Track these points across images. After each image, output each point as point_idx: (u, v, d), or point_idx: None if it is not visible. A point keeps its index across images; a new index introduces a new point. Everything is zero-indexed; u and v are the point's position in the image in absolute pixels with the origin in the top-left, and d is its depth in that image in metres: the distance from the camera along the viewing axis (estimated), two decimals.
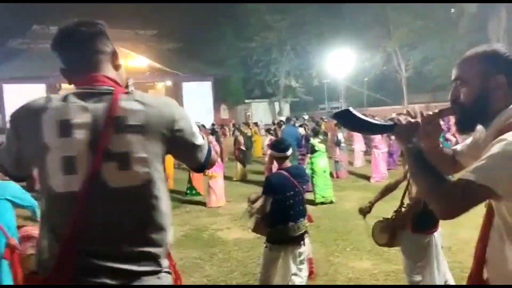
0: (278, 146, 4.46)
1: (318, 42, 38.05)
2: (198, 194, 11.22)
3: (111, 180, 1.45)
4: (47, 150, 1.45)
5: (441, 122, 1.84)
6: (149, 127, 1.51)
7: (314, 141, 10.16)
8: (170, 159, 13.31)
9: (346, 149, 13.53)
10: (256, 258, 6.10)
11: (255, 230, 4.57)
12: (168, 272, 1.60)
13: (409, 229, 4.09)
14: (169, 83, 37.62)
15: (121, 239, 1.48)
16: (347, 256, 6.34)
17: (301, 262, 4.32)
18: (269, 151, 11.73)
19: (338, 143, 12.87)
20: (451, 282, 4.28)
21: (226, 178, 12.75)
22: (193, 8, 43.78)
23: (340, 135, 13.17)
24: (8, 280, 4.38)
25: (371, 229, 4.32)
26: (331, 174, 12.81)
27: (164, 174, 1.65)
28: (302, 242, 4.27)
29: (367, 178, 12.50)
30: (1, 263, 4.36)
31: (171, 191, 11.66)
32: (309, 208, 9.18)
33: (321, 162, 9.86)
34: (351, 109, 1.73)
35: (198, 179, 11.28)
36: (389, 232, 4.20)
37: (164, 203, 1.59)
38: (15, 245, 4.39)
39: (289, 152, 4.45)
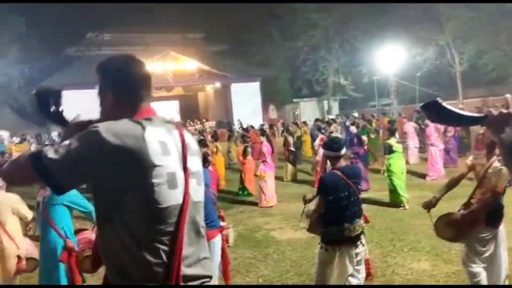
0: (332, 146, 4.35)
1: (366, 38, 37.37)
2: (250, 194, 11.28)
3: (194, 194, 1.69)
4: (153, 166, 1.55)
5: None
6: (199, 153, 1.86)
7: (392, 141, 9.56)
8: (221, 160, 13.50)
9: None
10: (310, 258, 6.06)
11: (310, 229, 4.53)
12: None
13: (482, 223, 4.08)
14: (218, 85, 38.06)
15: (202, 250, 1.73)
16: (404, 257, 6.17)
17: (358, 263, 4.23)
18: (321, 150, 11.64)
19: None
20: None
21: (277, 178, 12.73)
22: (239, 10, 44.12)
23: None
24: (64, 282, 4.53)
25: (433, 226, 4.34)
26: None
27: None
28: (358, 243, 4.19)
29: (422, 176, 12.15)
30: (59, 266, 4.52)
31: (224, 192, 11.81)
32: (363, 207, 9.12)
33: (398, 163, 9.41)
34: (440, 100, 1.68)
35: (249, 180, 11.35)
36: (456, 227, 4.15)
37: None
38: (72, 247, 4.53)
39: (343, 151, 4.33)
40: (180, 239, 1.59)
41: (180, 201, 1.62)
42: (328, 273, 4.24)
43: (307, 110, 41.55)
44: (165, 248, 1.57)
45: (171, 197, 1.59)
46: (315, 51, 39.98)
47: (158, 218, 1.57)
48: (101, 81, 1.80)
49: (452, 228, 4.19)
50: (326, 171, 4.67)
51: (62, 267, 4.54)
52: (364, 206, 9.15)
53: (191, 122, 36.18)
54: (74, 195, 4.61)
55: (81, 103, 33.28)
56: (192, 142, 1.79)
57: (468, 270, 4.23)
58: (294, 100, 42.35)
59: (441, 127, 13.12)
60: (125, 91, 1.74)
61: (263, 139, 11.56)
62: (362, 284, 4.33)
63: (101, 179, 1.57)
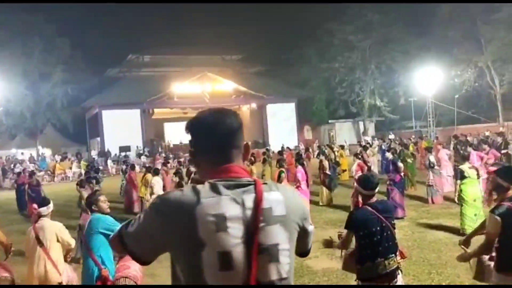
0: (367, 184, 4.31)
1: (404, 59, 37.16)
2: None
3: (263, 274, 1.46)
4: (202, 245, 1.42)
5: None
6: (288, 218, 1.54)
7: (464, 166, 9.09)
8: None
9: (439, 173, 12.86)
10: None
11: (344, 268, 4.50)
12: None
13: (495, 267, 3.79)
14: (254, 105, 38.46)
15: None
16: None
17: None
18: (359, 174, 11.52)
19: (430, 166, 12.31)
20: None
21: (313, 202, 12.70)
22: (276, 31, 44.65)
23: (432, 158, 12.58)
24: None
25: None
26: (426, 200, 12.37)
27: None
28: (395, 280, 4.13)
29: None
30: None
31: None
32: (398, 236, 8.95)
33: (471, 190, 8.89)
34: None
35: None
36: (476, 266, 4.02)
37: None
38: (107, 276, 4.60)
39: (377, 189, 4.33)
40: None
41: (239, 283, 1.43)
42: None
43: (343, 131, 41.39)
44: None
45: (224, 280, 1.42)
46: (351, 72, 39.97)
47: None
48: (190, 138, 1.69)
49: (475, 267, 4.09)
50: (358, 204, 4.63)
51: None
52: (400, 235, 9.01)
53: None
54: (108, 222, 4.72)
55: (120, 123, 34.34)
56: (277, 205, 1.51)
57: None
58: (330, 121, 42.30)
59: (485, 156, 12.81)
60: (201, 150, 1.64)
61: (300, 168, 11.39)
62: None
63: (167, 252, 1.55)
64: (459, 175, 9.07)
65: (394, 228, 4.25)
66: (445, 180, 13.58)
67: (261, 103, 38.55)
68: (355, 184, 4.71)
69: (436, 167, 12.46)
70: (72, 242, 5.20)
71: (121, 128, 33.71)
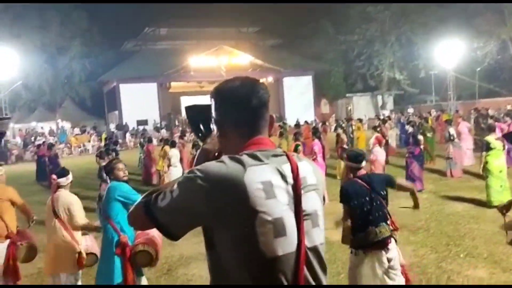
0: (355, 158, 4.57)
1: (424, 31, 36.33)
2: None
3: (308, 239, 1.48)
4: (255, 213, 1.38)
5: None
6: (318, 186, 1.57)
7: (490, 137, 8.94)
8: None
9: (459, 146, 12.68)
10: None
11: (344, 241, 4.58)
12: None
13: None
14: (270, 79, 38.18)
15: None
16: (460, 263, 6.01)
17: (393, 268, 4.28)
18: (376, 149, 11.47)
19: (450, 139, 12.14)
20: None
21: (330, 175, 12.70)
22: (293, 3, 43.95)
23: (452, 130, 12.40)
24: (118, 275, 4.64)
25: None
26: (444, 173, 12.25)
27: None
28: (388, 247, 4.25)
29: (482, 177, 11.70)
30: (115, 259, 4.66)
31: None
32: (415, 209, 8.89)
33: (496, 161, 8.80)
34: None
35: None
36: None
37: None
38: (126, 242, 4.64)
39: (364, 163, 4.57)
40: None
41: (292, 250, 1.43)
42: (358, 276, 4.39)
43: (361, 105, 40.95)
44: None
45: (278, 247, 1.40)
46: (370, 45, 39.27)
47: (263, 270, 1.41)
48: (216, 108, 1.60)
49: None
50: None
51: (118, 260, 4.65)
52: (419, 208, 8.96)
53: None
54: (125, 190, 4.73)
55: (137, 96, 34.37)
56: (309, 174, 1.54)
57: None
58: (347, 94, 41.83)
59: (506, 128, 12.60)
60: (231, 121, 1.57)
61: (315, 137, 11.47)
62: None
63: (206, 225, 1.49)
64: (485, 147, 8.89)
65: (385, 199, 4.41)
66: (464, 153, 13.42)
67: (277, 76, 38.26)
68: (345, 160, 4.86)
69: (456, 140, 12.28)
70: (80, 220, 5.02)
71: (138, 102, 33.89)
